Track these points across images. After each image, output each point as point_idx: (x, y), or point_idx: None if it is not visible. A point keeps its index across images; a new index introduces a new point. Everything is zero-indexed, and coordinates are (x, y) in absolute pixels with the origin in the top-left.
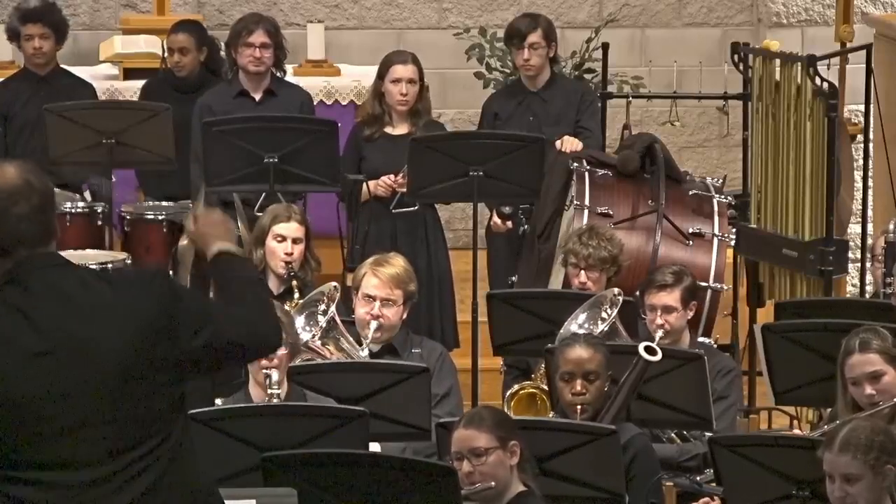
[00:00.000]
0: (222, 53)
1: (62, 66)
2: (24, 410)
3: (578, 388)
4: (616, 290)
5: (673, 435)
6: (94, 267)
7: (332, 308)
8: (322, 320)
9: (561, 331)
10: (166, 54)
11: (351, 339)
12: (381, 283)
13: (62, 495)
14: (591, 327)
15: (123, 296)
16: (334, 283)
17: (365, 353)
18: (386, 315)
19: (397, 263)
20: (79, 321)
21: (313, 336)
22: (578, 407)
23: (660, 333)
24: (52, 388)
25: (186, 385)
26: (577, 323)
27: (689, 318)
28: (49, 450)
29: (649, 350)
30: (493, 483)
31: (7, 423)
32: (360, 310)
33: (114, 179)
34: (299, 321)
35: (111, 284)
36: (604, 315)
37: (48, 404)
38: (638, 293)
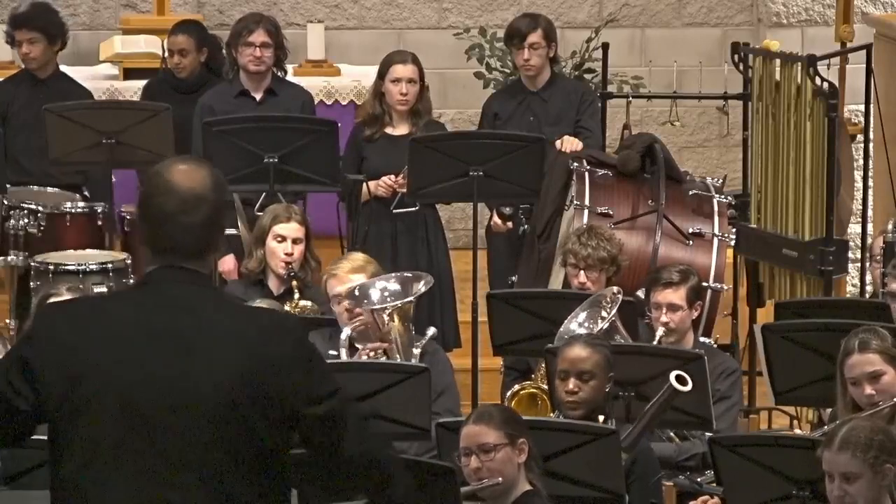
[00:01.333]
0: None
1: (62, 68)
2: (125, 411)
3: (570, 386)
4: (616, 288)
5: (672, 434)
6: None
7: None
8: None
9: (561, 329)
10: (166, 55)
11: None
12: (338, 279)
13: None
14: (591, 326)
15: (251, 328)
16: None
17: (417, 351)
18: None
19: (350, 257)
20: (196, 335)
21: (384, 308)
22: (574, 409)
23: (661, 331)
24: (152, 389)
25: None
26: (577, 321)
27: (695, 318)
28: (134, 459)
29: (680, 379)
30: (500, 479)
31: (104, 416)
32: (343, 316)
33: (114, 179)
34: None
35: (247, 316)
36: (603, 314)
37: (148, 408)
38: (643, 291)
